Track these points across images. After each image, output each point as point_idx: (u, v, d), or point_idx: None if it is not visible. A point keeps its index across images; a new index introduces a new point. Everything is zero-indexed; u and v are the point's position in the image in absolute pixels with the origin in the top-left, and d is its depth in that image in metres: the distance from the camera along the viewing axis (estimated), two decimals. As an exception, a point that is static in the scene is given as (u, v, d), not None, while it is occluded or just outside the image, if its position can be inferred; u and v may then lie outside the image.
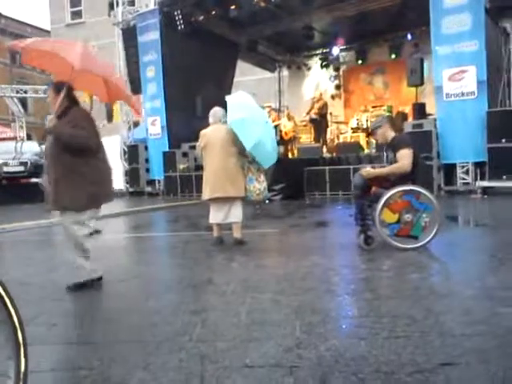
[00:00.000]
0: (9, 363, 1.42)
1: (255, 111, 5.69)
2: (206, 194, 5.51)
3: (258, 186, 5.54)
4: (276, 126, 15.40)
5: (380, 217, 4.65)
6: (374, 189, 4.93)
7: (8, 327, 1.40)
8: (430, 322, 2.69)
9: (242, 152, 5.48)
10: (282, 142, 15.94)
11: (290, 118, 15.58)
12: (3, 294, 1.37)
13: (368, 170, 4.97)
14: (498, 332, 2.49)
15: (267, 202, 11.06)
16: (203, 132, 5.65)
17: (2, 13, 36.34)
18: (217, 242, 5.63)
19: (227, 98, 5.59)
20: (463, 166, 10.68)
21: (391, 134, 5.01)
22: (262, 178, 5.62)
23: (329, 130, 15.79)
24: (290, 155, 15.22)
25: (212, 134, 5.54)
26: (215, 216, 5.58)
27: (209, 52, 14.97)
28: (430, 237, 4.67)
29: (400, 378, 2.02)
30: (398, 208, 4.65)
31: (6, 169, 15.44)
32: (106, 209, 10.38)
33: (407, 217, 4.64)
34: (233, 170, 5.41)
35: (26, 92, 17.06)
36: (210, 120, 5.72)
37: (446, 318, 2.79)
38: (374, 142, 13.07)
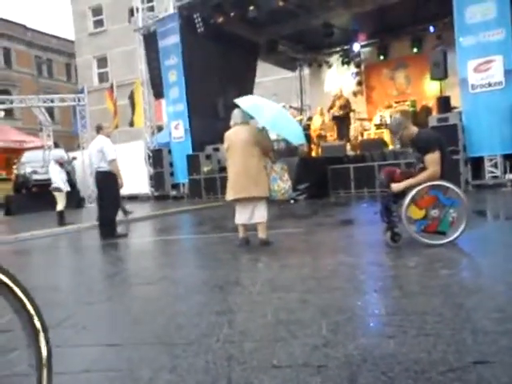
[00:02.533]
0: (29, 351, 1.45)
1: (267, 102, 5.71)
2: (230, 195, 5.51)
3: (283, 185, 5.50)
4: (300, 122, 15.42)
5: (407, 213, 4.56)
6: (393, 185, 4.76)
7: (23, 316, 1.43)
8: (461, 319, 2.62)
9: (264, 152, 5.50)
10: (309, 139, 15.94)
11: (322, 114, 15.52)
12: (12, 284, 1.41)
13: (398, 185, 4.71)
14: (532, 328, 2.41)
15: (292, 201, 11.02)
16: (227, 134, 5.66)
17: (28, 26, 37.25)
18: (242, 243, 5.62)
19: (237, 101, 5.56)
20: (491, 159, 10.43)
21: (413, 132, 4.79)
22: (286, 176, 5.59)
23: (352, 127, 15.64)
24: (313, 154, 15.15)
25: (234, 136, 5.55)
26: (240, 217, 5.58)
27: (229, 54, 15.02)
28: (458, 232, 4.56)
29: (431, 376, 1.97)
30: (424, 204, 4.55)
31: (35, 177, 15.81)
32: (133, 213, 10.49)
33: (434, 212, 4.55)
34: (255, 171, 5.38)
35: (52, 101, 17.37)
36: (231, 122, 5.72)
37: (478, 314, 2.72)
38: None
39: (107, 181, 7.41)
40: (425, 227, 4.59)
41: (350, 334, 2.53)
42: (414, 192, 4.53)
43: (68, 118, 27.85)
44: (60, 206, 10.04)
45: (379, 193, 5.13)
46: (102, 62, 32.09)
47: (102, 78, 31.78)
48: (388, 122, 14.41)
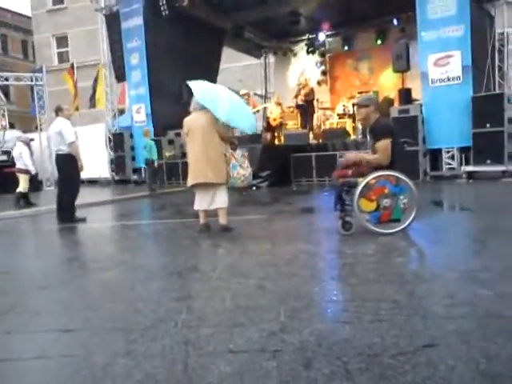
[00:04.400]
0: None
1: (219, 88, 5.78)
2: (190, 181, 5.52)
3: (243, 172, 5.57)
4: (257, 112, 15.42)
5: (359, 207, 4.67)
6: (341, 180, 4.91)
7: None
8: (414, 306, 2.71)
9: (223, 138, 5.51)
10: (269, 128, 15.93)
11: (278, 103, 15.52)
12: None
13: (353, 155, 4.95)
14: (478, 314, 2.52)
15: (254, 188, 11.07)
16: (186, 119, 5.66)
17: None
18: (203, 229, 5.61)
19: (190, 84, 5.57)
20: (448, 151, 10.75)
21: (375, 117, 4.96)
22: (247, 163, 5.66)
23: (315, 116, 15.75)
24: (276, 142, 15.19)
25: (193, 122, 5.55)
26: (200, 203, 5.57)
27: (194, 38, 14.78)
28: (411, 217, 4.71)
29: (383, 360, 2.04)
30: (374, 196, 4.67)
31: (-11, 158, 15.24)
32: (92, 197, 10.33)
33: (385, 202, 4.67)
34: (214, 157, 5.38)
35: (7, 79, 16.66)
36: (191, 107, 5.69)
37: (430, 301, 2.81)
38: (360, 128, 13.08)
39: (67, 164, 7.22)
40: (379, 218, 4.70)
41: (306, 319, 2.57)
42: (361, 186, 4.64)
43: (25, 99, 26.81)
44: (22, 188, 9.76)
45: (330, 182, 5.28)
46: (62, 41, 30.99)
47: (62, 57, 30.73)
48: (351, 112, 14.62)
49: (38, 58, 31.12)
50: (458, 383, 1.82)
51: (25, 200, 9.81)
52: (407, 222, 4.72)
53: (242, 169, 5.56)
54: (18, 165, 10.04)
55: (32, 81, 16.46)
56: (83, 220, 7.36)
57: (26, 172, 9.95)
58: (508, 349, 2.09)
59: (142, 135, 12.67)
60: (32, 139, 16.02)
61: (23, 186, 9.85)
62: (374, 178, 4.66)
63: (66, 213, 7.29)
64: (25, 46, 38.07)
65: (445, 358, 2.01)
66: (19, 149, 10.26)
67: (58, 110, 7.40)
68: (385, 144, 4.72)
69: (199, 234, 5.55)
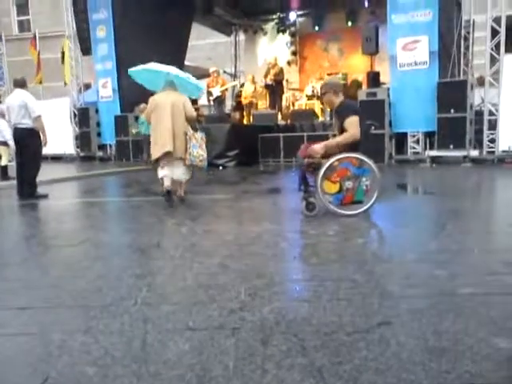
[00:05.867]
0: None
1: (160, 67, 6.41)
2: (156, 153, 5.92)
3: (201, 152, 6.00)
4: (226, 90, 15.35)
5: (322, 188, 4.72)
6: (306, 160, 4.91)
7: None
8: (372, 285, 2.78)
9: (189, 118, 6.02)
10: (238, 107, 15.82)
11: (253, 82, 15.42)
12: None
13: (319, 146, 4.84)
14: (432, 293, 2.61)
15: (221, 168, 11.04)
16: (152, 97, 6.07)
17: None
18: (167, 196, 5.96)
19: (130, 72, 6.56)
20: (414, 136, 10.93)
21: (337, 100, 5.01)
22: (204, 146, 6.08)
23: (284, 96, 15.72)
24: (245, 121, 15.12)
25: (163, 98, 5.94)
26: (163, 171, 6.00)
27: (163, 12, 14.38)
28: (373, 199, 4.80)
29: (338, 337, 2.09)
30: (337, 177, 4.72)
31: None
32: (55, 173, 10.10)
33: (348, 184, 4.74)
34: (178, 134, 5.86)
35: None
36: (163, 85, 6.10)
37: (387, 281, 2.89)
38: (328, 110, 13.14)
39: (29, 138, 6.99)
40: (341, 200, 4.77)
41: (266, 298, 2.60)
42: (324, 168, 4.68)
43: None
44: (5, 161, 9.44)
45: (296, 162, 5.32)
46: (23, 8, 29.59)
47: (23, 26, 29.38)
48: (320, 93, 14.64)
49: (-5, 26, 29.75)
50: (407, 358, 1.89)
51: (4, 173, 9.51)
52: (369, 204, 4.81)
53: (201, 150, 5.99)
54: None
55: (-11, 49, 15.73)
56: (45, 196, 7.20)
57: (5, 144, 9.56)
58: (457, 324, 2.18)
59: (138, 112, 12.34)
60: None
61: (4, 158, 9.53)
62: (337, 160, 4.71)
63: (28, 189, 7.11)
64: (-17, 13, 36.30)
65: (397, 335, 2.08)
66: None
67: (24, 84, 7.14)
68: (352, 120, 4.76)
69: (164, 211, 5.67)
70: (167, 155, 5.86)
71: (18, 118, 6.99)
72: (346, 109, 4.92)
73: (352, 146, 4.80)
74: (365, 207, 4.81)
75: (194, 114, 6.24)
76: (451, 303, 2.46)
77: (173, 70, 6.25)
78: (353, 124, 4.75)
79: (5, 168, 9.45)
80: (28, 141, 7.02)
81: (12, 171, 9.08)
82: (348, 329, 2.18)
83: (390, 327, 2.18)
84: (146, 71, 6.43)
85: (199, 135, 6.07)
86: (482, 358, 1.87)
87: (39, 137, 7.03)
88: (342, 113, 4.90)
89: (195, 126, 6.28)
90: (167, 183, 5.97)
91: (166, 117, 5.82)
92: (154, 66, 6.39)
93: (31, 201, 6.90)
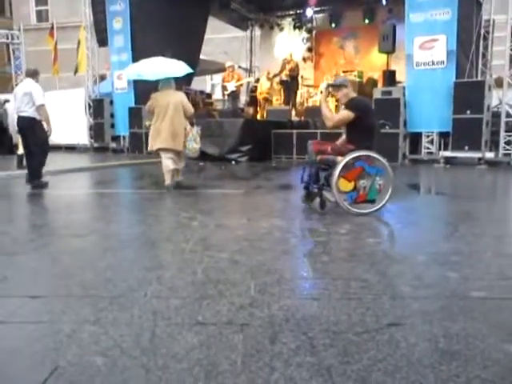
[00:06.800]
0: None
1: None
2: (157, 144, 6.65)
3: (196, 145, 6.76)
4: (241, 86, 15.32)
5: (337, 186, 4.70)
6: (319, 157, 4.98)
7: None
8: (383, 286, 2.75)
9: (187, 116, 6.70)
10: (252, 102, 15.78)
11: (269, 78, 15.37)
12: None
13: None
14: (444, 295, 2.58)
15: (233, 163, 11.03)
16: (154, 95, 6.82)
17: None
18: (169, 186, 6.67)
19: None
20: (428, 136, 10.83)
21: (353, 95, 5.05)
22: (198, 140, 6.81)
23: (299, 92, 15.65)
24: (258, 116, 15.08)
25: (164, 97, 6.65)
26: (171, 165, 6.67)
27: (180, 6, 14.40)
28: (386, 199, 4.78)
29: (347, 337, 2.07)
30: (352, 176, 4.70)
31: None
32: (68, 163, 10.15)
33: (362, 183, 4.72)
34: (177, 130, 6.58)
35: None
36: (160, 85, 6.83)
37: (398, 281, 2.87)
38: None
39: (32, 127, 6.99)
40: (355, 198, 4.75)
41: (276, 295, 2.59)
42: (341, 166, 4.66)
43: (1, 58, 25.91)
44: (22, 149, 9.53)
45: (307, 158, 5.32)
46: (41, -2, 29.81)
47: (41, 16, 29.57)
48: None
49: (14, 15, 29.91)
50: (417, 360, 1.86)
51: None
52: (382, 203, 4.78)
53: (195, 143, 6.73)
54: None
55: (8, 39, 15.80)
56: (44, 186, 7.14)
57: None
58: (468, 328, 2.15)
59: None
60: (7, 100, 15.57)
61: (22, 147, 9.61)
62: (352, 159, 4.68)
63: (28, 175, 7.16)
64: (1, 1, 36.50)
65: (407, 337, 2.06)
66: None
67: (35, 74, 7.17)
68: (344, 113, 4.87)
69: (175, 205, 5.77)
70: (168, 150, 6.61)
71: (22, 106, 6.99)
72: (352, 103, 4.96)
73: (365, 145, 4.77)
74: (377, 207, 4.78)
75: (192, 110, 6.85)
76: (463, 306, 2.43)
77: (159, 70, 6.99)
78: (340, 116, 4.96)
79: (21, 157, 9.53)
80: (30, 129, 7.03)
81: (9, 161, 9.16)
82: (357, 328, 2.16)
83: (400, 328, 2.15)
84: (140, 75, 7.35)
85: (196, 129, 6.77)
86: (492, 363, 1.84)
87: (41, 125, 7.04)
88: (347, 107, 4.95)
89: (192, 121, 6.91)
90: (169, 181, 6.70)
91: (167, 117, 6.53)
92: (143, 72, 7.26)
93: (43, 190, 6.94)
